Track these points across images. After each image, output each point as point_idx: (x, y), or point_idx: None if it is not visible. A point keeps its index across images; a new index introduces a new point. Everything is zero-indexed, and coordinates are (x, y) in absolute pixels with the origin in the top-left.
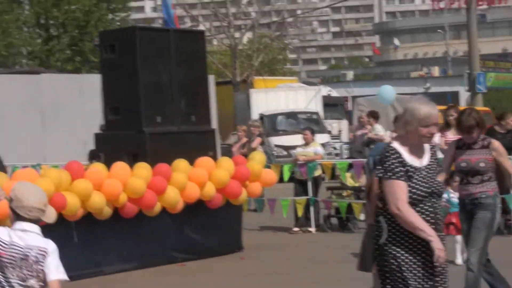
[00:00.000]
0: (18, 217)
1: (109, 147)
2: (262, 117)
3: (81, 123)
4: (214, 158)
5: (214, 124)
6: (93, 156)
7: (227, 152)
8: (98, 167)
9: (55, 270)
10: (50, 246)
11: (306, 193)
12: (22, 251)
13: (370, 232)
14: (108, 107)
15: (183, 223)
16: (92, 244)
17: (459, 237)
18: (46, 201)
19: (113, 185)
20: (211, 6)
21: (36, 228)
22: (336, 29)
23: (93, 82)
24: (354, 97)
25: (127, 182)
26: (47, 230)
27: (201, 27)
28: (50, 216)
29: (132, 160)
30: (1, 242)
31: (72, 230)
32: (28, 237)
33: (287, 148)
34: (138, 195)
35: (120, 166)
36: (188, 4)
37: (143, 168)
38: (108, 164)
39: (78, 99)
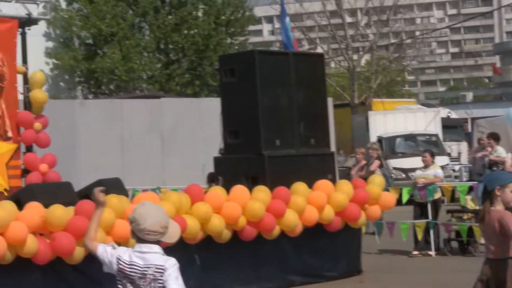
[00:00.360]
0: (137, 238)
1: (228, 171)
2: (380, 139)
3: (200, 147)
4: (333, 181)
5: (333, 147)
6: (212, 179)
7: (345, 175)
8: (218, 190)
9: (174, 282)
10: (168, 263)
11: (425, 216)
12: (140, 270)
13: (497, 268)
14: (227, 131)
15: (301, 246)
16: (211, 267)
17: None
18: (165, 223)
19: (232, 209)
20: (329, 28)
21: (155, 248)
22: (455, 50)
23: (212, 106)
24: (473, 119)
25: (246, 205)
26: (169, 254)
27: (319, 50)
28: (172, 236)
29: (251, 184)
30: (122, 261)
31: (193, 253)
32: (147, 256)
33: (405, 170)
34: (257, 219)
35: (239, 190)
36: (306, 27)
37: (262, 192)
38: (228, 188)
39: (197, 123)
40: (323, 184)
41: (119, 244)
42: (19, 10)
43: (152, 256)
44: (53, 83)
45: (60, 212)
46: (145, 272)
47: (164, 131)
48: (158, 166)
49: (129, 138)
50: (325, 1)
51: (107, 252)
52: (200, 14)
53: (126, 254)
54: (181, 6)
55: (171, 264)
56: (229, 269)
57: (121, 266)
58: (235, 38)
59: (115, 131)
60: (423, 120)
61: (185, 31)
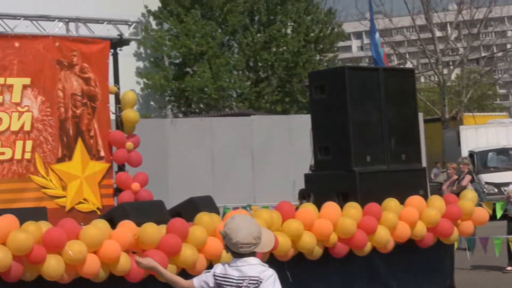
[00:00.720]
0: (232, 252)
1: (319, 187)
2: (472, 154)
3: (290, 163)
4: (425, 197)
5: (424, 162)
6: (303, 196)
7: (436, 190)
8: (309, 207)
9: None
10: (264, 274)
11: None
12: (235, 282)
13: None
14: (317, 147)
15: (393, 263)
16: (302, 284)
17: None
18: (258, 233)
19: (323, 225)
20: (418, 43)
21: (252, 260)
22: None
23: (301, 123)
24: None
25: (338, 222)
26: None
27: (408, 65)
28: (265, 245)
29: (342, 200)
30: (217, 275)
31: (284, 270)
32: (243, 268)
33: (498, 185)
34: (349, 235)
35: (330, 206)
36: (395, 42)
37: (353, 208)
38: (319, 204)
39: (287, 140)
40: (415, 200)
41: (211, 261)
42: (110, 31)
43: (247, 268)
44: (144, 103)
45: (152, 230)
46: (240, 285)
47: (254, 148)
48: (248, 183)
49: (220, 156)
50: (414, 15)
51: (202, 279)
52: (289, 31)
53: (219, 268)
54: (270, 24)
55: (267, 275)
56: (320, 286)
57: (217, 281)
58: (324, 55)
59: (206, 149)
60: None
61: (274, 49)
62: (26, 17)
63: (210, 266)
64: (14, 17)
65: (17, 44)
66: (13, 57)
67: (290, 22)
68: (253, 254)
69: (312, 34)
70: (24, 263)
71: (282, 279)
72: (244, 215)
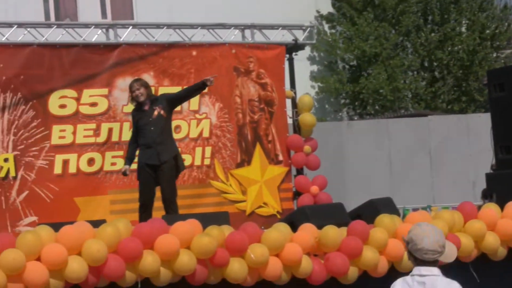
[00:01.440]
0: (415, 260)
1: (501, 186)
2: None
3: (468, 163)
4: None
5: None
6: (486, 196)
7: None
8: (491, 207)
9: None
10: (451, 286)
11: None
12: None
13: None
14: (498, 146)
15: None
16: (486, 285)
17: None
18: (443, 242)
19: (507, 225)
20: None
21: (435, 270)
22: None
23: (480, 122)
24: None
25: None
26: (445, 273)
27: None
28: (449, 256)
29: None
30: None
31: (469, 272)
32: (427, 280)
33: None
34: None
35: None
36: None
37: None
38: (501, 204)
39: (465, 139)
40: None
41: (391, 264)
42: (285, 37)
43: (432, 280)
44: (320, 106)
45: (333, 233)
46: None
47: (432, 148)
48: (427, 184)
49: (397, 157)
50: None
51: None
52: (463, 29)
53: (398, 284)
54: (444, 23)
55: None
56: (505, 287)
57: None
58: (501, 52)
59: (383, 151)
60: None
61: (449, 48)
62: (203, 26)
63: (391, 268)
64: (191, 26)
65: (194, 53)
66: (191, 66)
67: (464, 20)
68: (435, 263)
69: (487, 31)
70: (208, 266)
71: (466, 280)
72: (429, 224)
